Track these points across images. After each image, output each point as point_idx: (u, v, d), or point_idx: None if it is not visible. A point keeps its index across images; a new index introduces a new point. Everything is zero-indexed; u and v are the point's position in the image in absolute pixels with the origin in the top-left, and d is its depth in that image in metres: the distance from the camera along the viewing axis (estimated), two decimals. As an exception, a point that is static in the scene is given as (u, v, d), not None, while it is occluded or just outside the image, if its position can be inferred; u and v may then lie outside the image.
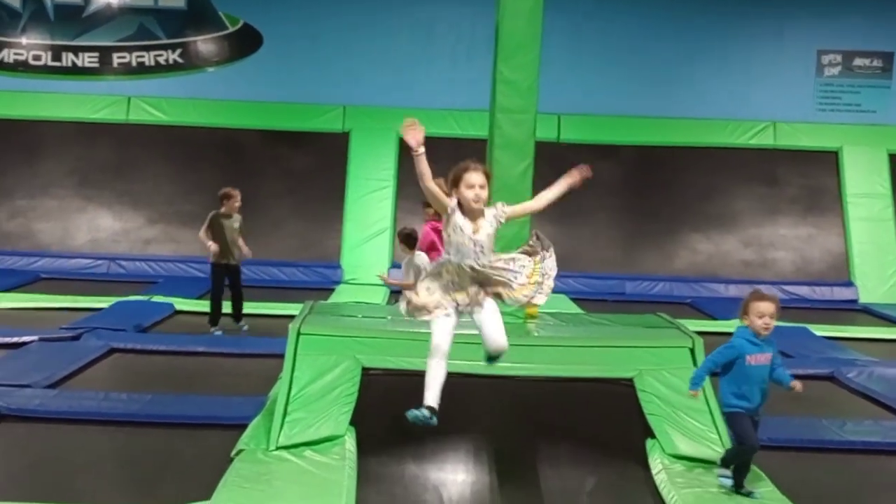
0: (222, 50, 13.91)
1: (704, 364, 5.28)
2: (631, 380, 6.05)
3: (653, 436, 5.71)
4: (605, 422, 5.97)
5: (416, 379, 6.05)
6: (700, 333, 6.56)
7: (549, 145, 12.63)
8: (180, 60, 13.89)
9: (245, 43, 13.90)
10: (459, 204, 4.79)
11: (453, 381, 6.09)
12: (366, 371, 6.00)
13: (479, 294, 4.79)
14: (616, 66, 13.81)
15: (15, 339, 8.27)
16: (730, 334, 10.12)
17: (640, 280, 12.75)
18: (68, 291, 10.96)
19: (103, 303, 10.18)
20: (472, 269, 4.73)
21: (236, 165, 13.36)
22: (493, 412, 6.08)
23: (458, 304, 4.81)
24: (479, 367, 6.06)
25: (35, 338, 8.32)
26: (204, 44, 13.88)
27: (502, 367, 6.11)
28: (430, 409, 4.75)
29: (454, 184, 4.88)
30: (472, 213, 4.79)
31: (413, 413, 4.72)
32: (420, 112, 13.49)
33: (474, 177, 4.83)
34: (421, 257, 7.42)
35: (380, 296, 11.53)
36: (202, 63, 13.92)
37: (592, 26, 13.83)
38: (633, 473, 5.49)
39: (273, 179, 13.37)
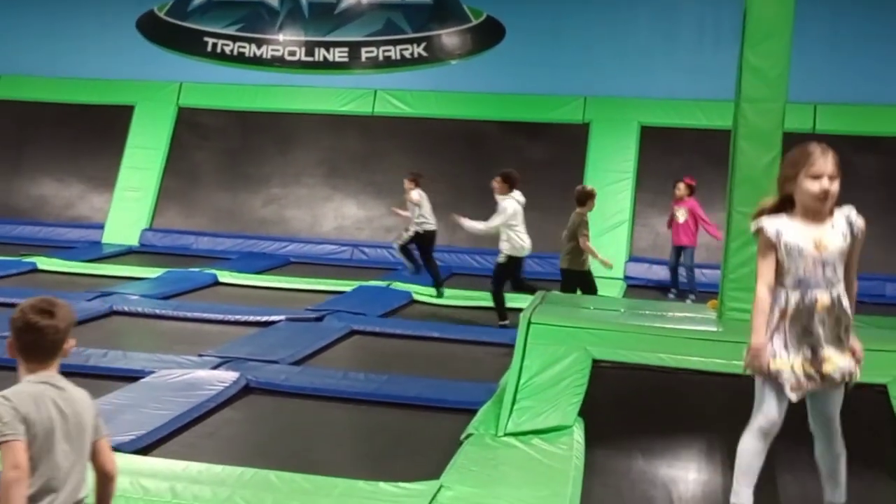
0: (465, 43, 14.11)
1: None
2: (885, 386, 5.61)
3: (907, 448, 5.27)
4: (854, 428, 5.51)
5: (647, 373, 5.92)
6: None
7: (803, 136, 11.94)
8: (425, 54, 14.22)
9: (488, 35, 14.03)
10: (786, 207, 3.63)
11: (688, 378, 5.91)
12: (596, 363, 5.89)
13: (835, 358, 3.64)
14: (878, 50, 12.81)
15: (265, 318, 8.77)
16: None
17: (902, 280, 11.82)
18: (314, 275, 11.52)
19: (346, 287, 10.61)
20: (826, 306, 3.60)
21: (476, 156, 13.54)
22: (730, 412, 5.78)
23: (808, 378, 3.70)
24: (714, 363, 5.85)
25: (283, 317, 8.79)
26: (448, 37, 14.14)
27: (737, 367, 5.84)
28: None
29: (787, 178, 3.73)
30: (812, 217, 3.70)
31: None
32: (663, 102, 13.28)
33: (821, 163, 3.63)
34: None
35: (615, 289, 11.34)
36: (446, 56, 14.19)
37: (852, 8, 12.91)
38: (882, 485, 5.08)
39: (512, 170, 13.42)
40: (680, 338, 5.94)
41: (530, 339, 5.95)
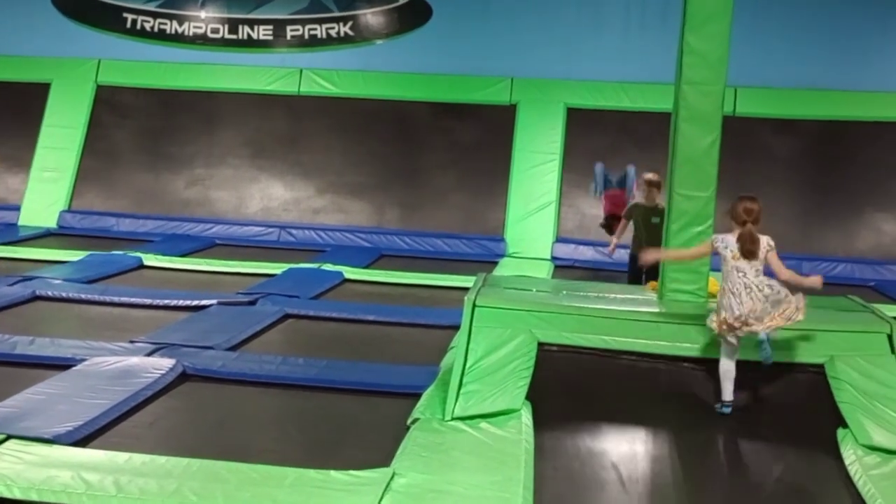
0: (392, 22, 13.96)
1: None
2: (821, 366, 5.76)
3: (845, 425, 5.41)
4: (793, 409, 5.69)
5: (592, 357, 5.97)
6: (887, 319, 6.20)
7: (725, 119, 12.15)
8: (351, 33, 14.04)
9: (414, 15, 13.90)
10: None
11: (631, 362, 5.99)
12: (541, 346, 5.92)
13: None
14: (799, 35, 13.08)
15: (196, 303, 8.58)
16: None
17: (818, 261, 12.11)
18: (242, 257, 11.32)
19: (276, 269, 10.45)
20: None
21: (404, 137, 13.46)
22: (674, 393, 5.88)
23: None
24: (658, 346, 5.93)
25: (214, 301, 8.61)
26: (374, 16, 13.98)
27: (681, 348, 5.94)
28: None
29: None
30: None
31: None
32: (589, 84, 13.37)
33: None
34: None
35: (545, 270, 11.42)
36: (372, 35, 14.02)
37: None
38: (822, 463, 5.21)
39: (439, 151, 13.41)
40: (623, 319, 6.02)
41: (475, 322, 5.95)
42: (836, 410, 5.53)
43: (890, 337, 5.78)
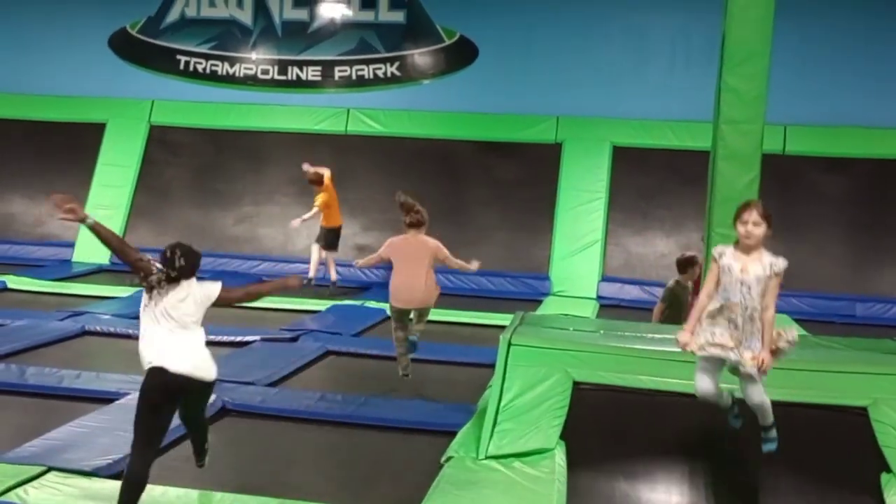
0: (438, 62, 14.15)
1: None
2: (864, 409, 5.64)
3: (889, 470, 5.29)
4: (834, 452, 5.56)
5: (629, 395, 5.92)
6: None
7: (773, 157, 12.05)
8: (398, 73, 14.24)
9: (461, 55, 14.08)
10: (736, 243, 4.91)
11: (669, 401, 5.91)
12: (577, 385, 5.88)
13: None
14: (848, 71, 12.96)
15: (239, 339, 8.68)
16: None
17: (872, 302, 11.90)
18: (286, 294, 11.39)
19: (320, 306, 10.53)
20: (737, 309, 4.78)
21: (449, 175, 13.54)
22: (712, 435, 5.79)
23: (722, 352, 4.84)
24: (693, 385, 5.84)
25: (257, 338, 8.71)
26: (421, 57, 14.17)
27: (724, 389, 5.85)
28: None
29: (734, 219, 4.97)
30: (743, 250, 4.87)
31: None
32: (635, 123, 13.37)
33: (746, 213, 4.89)
34: None
35: (589, 309, 11.36)
36: (419, 75, 14.21)
37: (822, 30, 13.03)
38: (864, 507, 5.10)
39: (484, 189, 13.45)
40: (660, 359, 5.94)
41: (511, 361, 5.93)
42: (881, 454, 5.41)
43: (935, 380, 5.65)
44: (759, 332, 4.78)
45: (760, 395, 4.90)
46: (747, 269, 4.82)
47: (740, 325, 4.79)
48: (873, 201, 12.71)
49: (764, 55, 6.40)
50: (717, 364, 4.91)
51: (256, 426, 6.27)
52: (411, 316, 7.37)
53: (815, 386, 5.67)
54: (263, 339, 8.68)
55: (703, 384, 4.97)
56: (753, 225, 4.83)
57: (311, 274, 12.06)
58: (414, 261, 7.14)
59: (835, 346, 6.55)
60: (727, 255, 4.90)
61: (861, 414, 5.61)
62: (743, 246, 4.87)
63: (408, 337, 7.34)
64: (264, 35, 14.50)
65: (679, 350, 5.68)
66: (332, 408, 6.56)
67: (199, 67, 14.62)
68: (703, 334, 4.87)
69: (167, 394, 4.47)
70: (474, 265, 7.41)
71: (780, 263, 4.83)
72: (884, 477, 5.26)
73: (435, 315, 10.40)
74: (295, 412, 6.45)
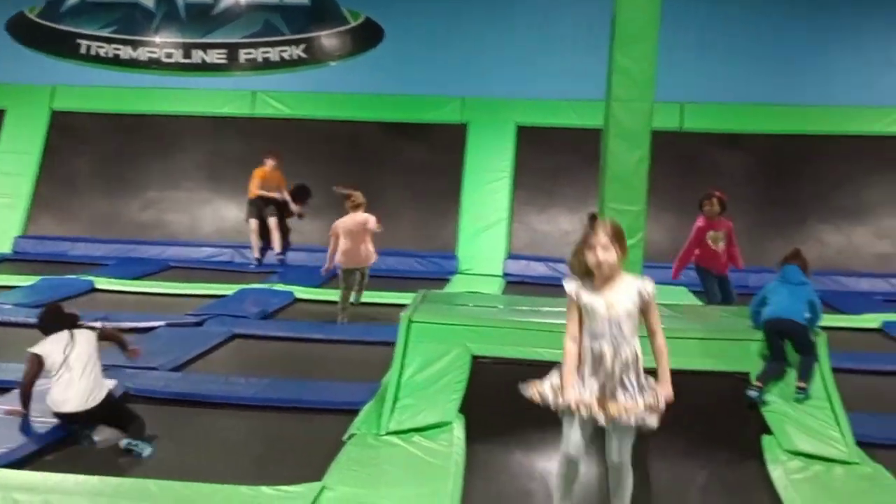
0: (344, 44, 14.14)
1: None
2: (746, 374, 5.90)
3: (769, 432, 5.55)
4: (720, 416, 5.81)
5: (527, 368, 6.06)
6: (828, 328, 6.37)
7: (671, 134, 12.43)
8: (304, 55, 14.19)
9: (366, 37, 14.10)
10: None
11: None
12: (476, 359, 6.02)
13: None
14: (743, 51, 13.39)
15: (144, 325, 8.62)
16: (861, 330, 9.78)
17: (763, 273, 12.29)
18: (195, 279, 11.36)
19: (227, 290, 10.50)
20: (612, 356, 4.10)
21: (357, 157, 13.59)
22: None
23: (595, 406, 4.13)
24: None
25: (162, 323, 8.66)
26: (327, 39, 14.15)
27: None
28: None
29: (583, 245, 4.17)
30: (602, 281, 4.13)
31: None
32: (539, 103, 13.57)
33: (592, 237, 4.12)
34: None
35: (496, 286, 11.54)
36: (325, 58, 14.19)
37: (718, 10, 13.44)
38: (747, 469, 5.34)
39: (392, 171, 13.54)
40: (556, 332, 6.08)
41: (411, 338, 6.05)
42: (761, 417, 5.67)
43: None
44: (635, 375, 4.15)
45: (628, 456, 4.28)
46: (613, 304, 4.10)
47: (616, 371, 4.11)
48: (768, 176, 13.17)
49: (652, 35, 6.58)
50: (588, 423, 4.20)
51: (159, 411, 6.24)
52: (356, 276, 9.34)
53: (701, 354, 5.90)
54: (168, 325, 8.63)
55: (575, 442, 4.24)
56: (602, 250, 4.07)
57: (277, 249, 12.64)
58: (358, 233, 9.23)
59: (723, 315, 6.82)
60: (584, 293, 4.15)
61: (744, 379, 5.87)
62: (599, 276, 4.13)
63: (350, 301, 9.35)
64: (168, 18, 14.29)
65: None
66: (235, 390, 6.58)
67: (102, 52, 14.35)
68: (576, 387, 4.17)
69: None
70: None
71: (649, 287, 4.16)
72: (765, 439, 5.52)
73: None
74: (197, 396, 6.45)
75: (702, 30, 13.36)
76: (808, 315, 6.01)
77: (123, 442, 5.49)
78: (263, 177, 12.55)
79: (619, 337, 4.10)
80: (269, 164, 12.61)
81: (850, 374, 7.21)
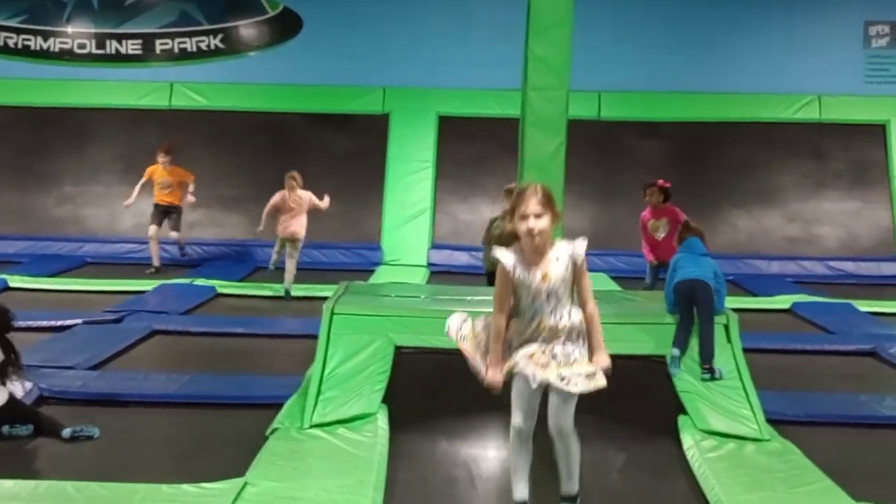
0: (263, 34, 14.01)
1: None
2: (664, 357, 6.04)
3: (685, 412, 5.70)
4: (637, 399, 5.94)
5: (448, 356, 6.11)
6: (741, 311, 6.56)
7: (589, 123, 12.60)
8: (222, 46, 14.02)
9: (285, 27, 13.98)
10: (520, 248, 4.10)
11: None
12: (399, 349, 6.05)
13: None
14: (656, 41, 13.66)
15: (59, 322, 8.45)
16: (772, 311, 10.06)
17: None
18: (113, 275, 11.17)
19: (147, 286, 10.35)
20: (551, 327, 4.09)
21: (278, 148, 13.48)
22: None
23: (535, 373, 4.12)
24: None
25: (79, 321, 8.50)
26: (245, 29, 14.00)
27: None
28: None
29: (511, 215, 4.13)
30: (533, 251, 4.09)
31: None
32: (459, 92, 13.61)
33: (523, 205, 4.04)
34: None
35: (420, 276, 11.59)
36: (243, 48, 14.04)
37: (632, 1, 13.67)
38: (664, 449, 5.48)
39: (314, 161, 13.42)
40: (477, 321, 6.17)
41: (333, 330, 6.05)
42: (678, 399, 5.81)
43: (726, 328, 6.10)
44: (574, 340, 4.14)
45: (570, 423, 4.26)
46: (548, 274, 4.08)
47: (555, 338, 4.11)
48: (684, 162, 13.43)
49: (567, 23, 6.65)
50: (535, 390, 4.19)
51: (76, 412, 6.11)
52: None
53: (620, 338, 5.98)
54: (86, 322, 8.48)
55: (523, 411, 4.25)
56: (535, 218, 4.01)
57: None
58: (296, 208, 10.29)
59: (638, 300, 6.96)
60: (519, 266, 4.10)
61: (661, 362, 6.01)
62: (531, 246, 4.07)
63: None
64: (79, 8, 13.99)
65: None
66: (155, 388, 6.50)
67: (10, 42, 13.99)
68: (515, 355, 4.16)
69: None
70: (325, 202, 10.59)
71: (580, 247, 4.12)
72: (680, 419, 5.66)
73: (266, 290, 10.51)
74: (116, 395, 6.34)
75: (617, 21, 13.57)
76: (713, 285, 6.18)
77: (67, 431, 5.47)
78: (152, 175, 11.99)
79: (557, 306, 4.09)
80: (161, 160, 11.96)
81: (761, 353, 7.44)
